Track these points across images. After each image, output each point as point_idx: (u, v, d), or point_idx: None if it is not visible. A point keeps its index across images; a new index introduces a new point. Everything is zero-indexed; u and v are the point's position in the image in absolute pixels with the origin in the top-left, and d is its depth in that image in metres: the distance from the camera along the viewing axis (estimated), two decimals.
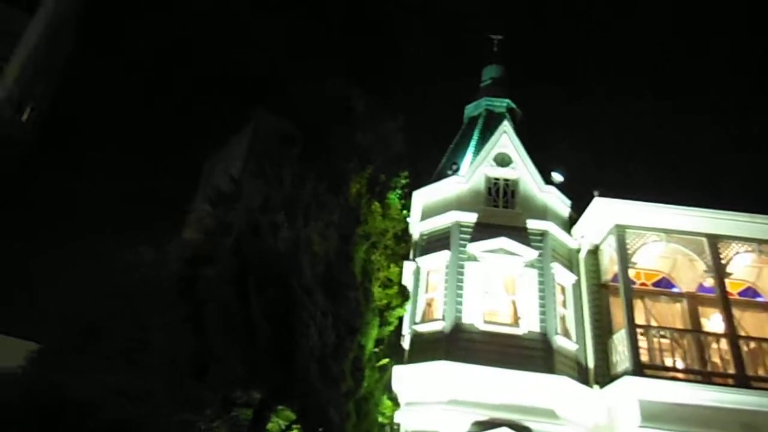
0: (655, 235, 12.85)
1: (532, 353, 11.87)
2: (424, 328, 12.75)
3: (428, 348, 12.29)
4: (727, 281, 13.82)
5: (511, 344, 12.01)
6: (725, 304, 12.05)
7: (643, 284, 14.03)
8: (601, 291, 13.42)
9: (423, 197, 14.86)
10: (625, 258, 12.61)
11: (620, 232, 12.89)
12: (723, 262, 12.52)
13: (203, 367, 9.14)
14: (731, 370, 11.35)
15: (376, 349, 12.82)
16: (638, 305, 13.68)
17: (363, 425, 10.62)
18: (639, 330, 11.92)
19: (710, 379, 11.39)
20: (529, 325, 12.22)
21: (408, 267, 14.28)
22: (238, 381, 9.27)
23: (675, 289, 13.84)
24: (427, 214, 14.53)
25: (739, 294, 13.89)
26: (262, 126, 38.10)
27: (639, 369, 11.18)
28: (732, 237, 12.76)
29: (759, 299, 13.70)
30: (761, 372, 11.59)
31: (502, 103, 17.17)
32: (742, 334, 12.85)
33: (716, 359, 11.88)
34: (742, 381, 11.11)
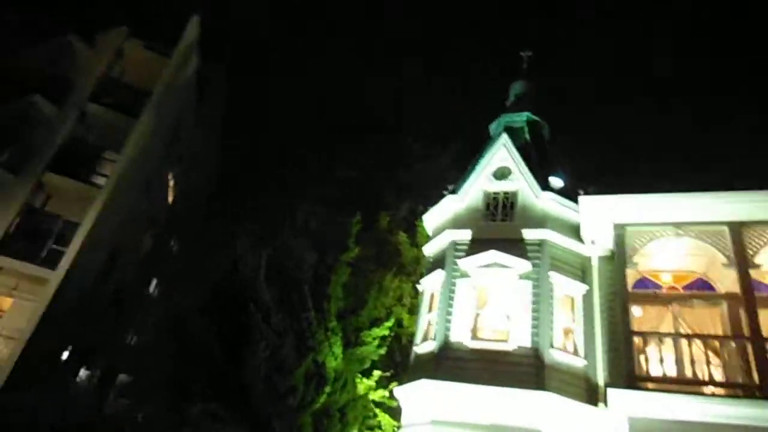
0: (662, 231, 11.45)
1: (521, 369, 11.25)
2: (422, 349, 12.85)
3: (422, 368, 12.36)
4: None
5: (499, 361, 11.54)
6: (749, 301, 10.17)
7: (672, 288, 12.36)
8: (617, 300, 12.17)
9: (429, 220, 15.14)
10: (623, 259, 11.43)
11: (619, 232, 11.74)
12: (749, 252, 10.64)
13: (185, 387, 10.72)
14: (754, 380, 9.49)
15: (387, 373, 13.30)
16: (665, 312, 12.17)
17: None
18: (641, 338, 10.71)
19: (725, 391, 9.67)
20: (520, 340, 11.63)
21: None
22: (201, 397, 10.60)
23: (711, 291, 11.92)
24: (432, 236, 14.77)
25: None
26: None
27: (630, 381, 9.97)
28: (762, 222, 10.80)
29: None
30: None
31: (521, 117, 16.75)
32: None
33: (736, 367, 10.01)
34: (765, 392, 9.22)
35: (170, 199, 30.36)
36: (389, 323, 13.65)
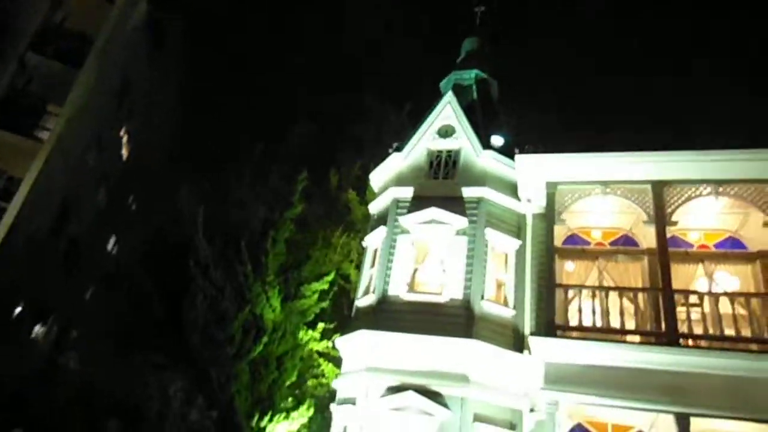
0: (591, 189, 11.95)
1: (452, 320, 11.84)
2: (362, 302, 13.33)
3: (362, 320, 12.87)
4: (704, 232, 12.50)
5: (433, 312, 12.10)
6: (663, 256, 10.84)
7: (599, 244, 13.02)
8: (551, 255, 12.73)
9: (375, 178, 15.36)
10: (552, 215, 11.94)
11: (551, 190, 12.20)
12: (668, 210, 11.24)
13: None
14: (663, 329, 10.26)
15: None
16: (592, 267, 12.84)
17: (263, 384, 11.63)
18: (568, 290, 11.37)
19: (639, 339, 10.46)
20: (453, 292, 12.17)
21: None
22: (144, 347, 10.97)
23: (635, 246, 12.61)
24: (378, 194, 15.02)
25: (716, 245, 12.24)
26: None
27: (549, 329, 10.65)
28: (681, 181, 11.36)
29: (727, 249, 11.93)
30: (701, 330, 10.30)
31: (470, 75, 16.84)
32: (709, 290, 11.46)
33: (650, 317, 10.79)
34: (671, 339, 9.99)
35: (125, 154, 29.66)
36: (329, 278, 14.06)
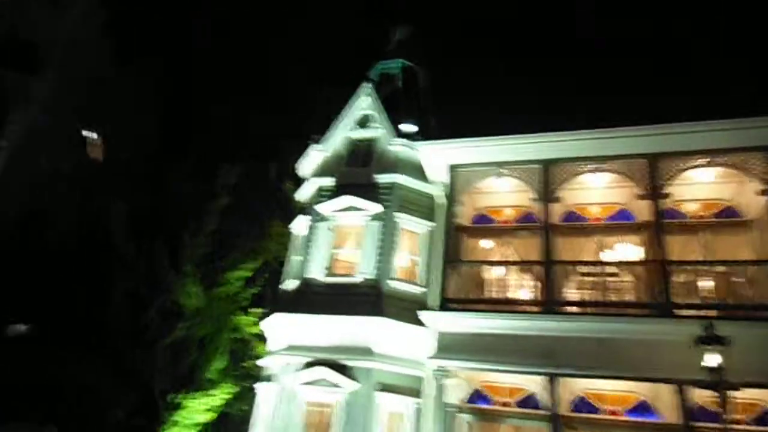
0: (487, 171, 12.73)
1: (362, 299, 12.68)
2: (286, 286, 14.18)
3: (285, 303, 13.73)
4: (597, 207, 13.30)
5: (347, 293, 12.93)
6: (547, 230, 11.66)
7: (504, 221, 13.82)
8: (456, 235, 13.54)
9: (302, 168, 16.11)
10: (451, 197, 12.75)
11: (453, 173, 13.00)
12: (553, 187, 12.03)
13: None
14: (543, 299, 11.11)
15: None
16: (500, 243, 13.65)
17: (182, 365, 12.58)
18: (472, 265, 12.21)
19: (514, 308, 11.32)
20: (365, 273, 13.00)
21: None
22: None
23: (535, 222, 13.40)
24: (302, 185, 15.78)
25: (607, 218, 13.06)
26: None
27: (443, 303, 11.52)
28: (569, 159, 12.13)
29: (617, 221, 12.76)
30: (580, 297, 11.18)
31: (396, 64, 17.46)
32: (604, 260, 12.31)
33: (533, 287, 11.66)
34: (548, 308, 10.85)
35: (100, 156, 30.26)
36: (252, 265, 14.92)
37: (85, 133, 28.03)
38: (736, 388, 8.49)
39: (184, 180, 16.22)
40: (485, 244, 14.11)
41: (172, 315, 12.76)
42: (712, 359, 8.26)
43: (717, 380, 8.15)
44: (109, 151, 29.52)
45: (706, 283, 11.05)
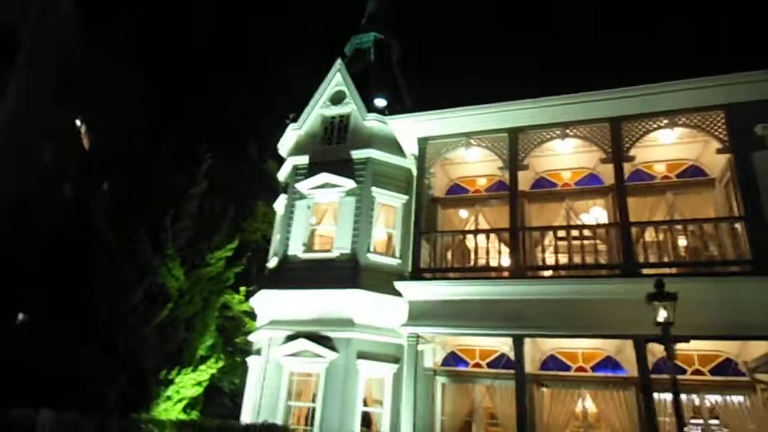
0: (456, 141, 12.95)
1: (340, 273, 13.12)
2: (270, 263, 14.65)
3: (269, 279, 14.23)
4: (568, 173, 13.52)
5: (325, 268, 13.38)
6: (513, 198, 11.96)
7: (477, 191, 14.09)
8: (431, 206, 13.86)
9: (281, 148, 16.38)
10: (422, 170, 13.02)
11: (422, 145, 13.23)
12: (521, 155, 12.26)
13: None
14: (510, 266, 11.49)
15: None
16: (474, 212, 13.95)
17: (171, 344, 13.18)
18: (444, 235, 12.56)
19: (486, 275, 11.71)
20: (342, 248, 13.41)
21: None
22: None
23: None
24: (283, 164, 16.08)
25: (576, 183, 13.31)
26: None
27: (416, 273, 11.93)
28: (535, 126, 12.32)
29: (586, 185, 13.02)
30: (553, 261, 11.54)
31: (369, 38, 17.51)
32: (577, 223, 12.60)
33: (505, 254, 12.06)
34: (518, 273, 11.23)
35: (84, 144, 30.46)
36: (232, 245, 15.37)
37: (71, 120, 28.18)
38: (685, 341, 8.91)
39: (165, 165, 16.54)
40: (462, 214, 14.42)
41: (159, 297, 13.29)
42: (661, 315, 8.64)
43: (665, 334, 8.54)
44: (93, 138, 29.66)
45: (669, 242, 11.35)
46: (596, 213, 13.18)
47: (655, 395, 10.01)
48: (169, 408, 12.84)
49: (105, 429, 9.46)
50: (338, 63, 15.52)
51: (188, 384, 13.32)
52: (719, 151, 10.88)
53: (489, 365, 11.89)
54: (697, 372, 10.73)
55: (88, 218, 13.86)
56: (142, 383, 12.31)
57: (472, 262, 12.29)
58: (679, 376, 10.44)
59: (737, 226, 10.43)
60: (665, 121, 11.39)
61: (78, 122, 28.94)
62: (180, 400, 13.24)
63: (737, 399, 10.34)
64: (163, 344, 12.95)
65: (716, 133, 10.95)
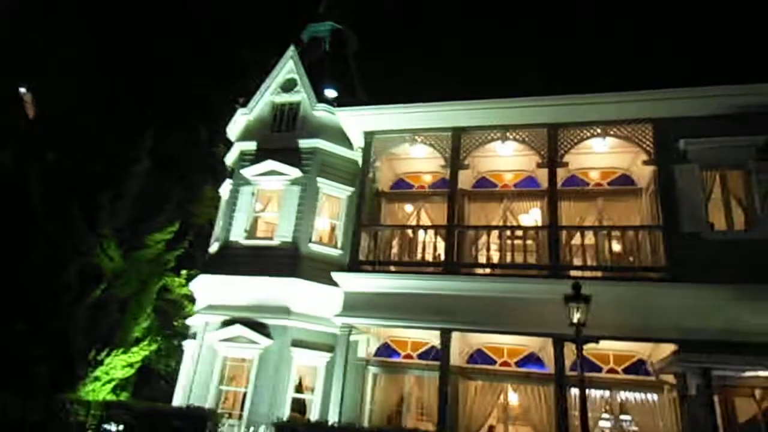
0: (401, 137, 13.13)
1: (280, 261, 13.19)
2: (212, 248, 14.58)
3: (209, 264, 14.15)
4: (509, 174, 13.88)
5: (266, 255, 13.41)
6: (452, 197, 12.27)
7: (421, 187, 14.35)
8: (375, 200, 14.03)
9: (230, 133, 16.23)
10: (367, 163, 13.17)
11: (368, 139, 13.37)
12: (462, 154, 12.56)
13: None
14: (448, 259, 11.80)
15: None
16: (417, 207, 14.20)
17: (103, 325, 13.06)
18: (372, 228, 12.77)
19: (420, 270, 12.01)
20: (284, 236, 13.46)
21: None
22: None
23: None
24: (230, 149, 15.95)
25: (515, 185, 13.73)
26: None
27: (353, 265, 12.13)
28: (477, 127, 12.63)
29: (524, 187, 13.46)
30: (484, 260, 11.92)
31: (325, 27, 17.43)
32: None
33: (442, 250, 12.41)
34: (451, 269, 11.56)
35: (30, 114, 29.23)
36: (173, 228, 15.22)
37: (17, 89, 26.98)
38: (594, 341, 9.43)
39: (111, 140, 16.14)
40: (408, 208, 14.66)
41: (92, 277, 13.05)
42: (574, 316, 9.11)
43: (577, 334, 9.02)
44: (37, 108, 28.43)
45: (595, 246, 11.89)
46: (535, 215, 13.66)
47: (572, 391, 10.56)
48: (97, 389, 12.70)
49: (31, 409, 9.32)
50: (291, 50, 15.43)
51: (119, 365, 13.19)
52: (645, 163, 11.45)
53: (419, 357, 12.24)
54: (611, 371, 11.34)
55: (25, 190, 13.43)
56: (71, 363, 12.10)
57: (410, 257, 12.56)
58: (595, 374, 11.19)
59: (656, 234, 11.04)
60: (598, 131, 11.88)
61: (23, 90, 27.78)
62: (109, 381, 13.10)
63: (647, 397, 11.02)
64: (95, 325, 12.74)
65: (644, 145, 11.50)
